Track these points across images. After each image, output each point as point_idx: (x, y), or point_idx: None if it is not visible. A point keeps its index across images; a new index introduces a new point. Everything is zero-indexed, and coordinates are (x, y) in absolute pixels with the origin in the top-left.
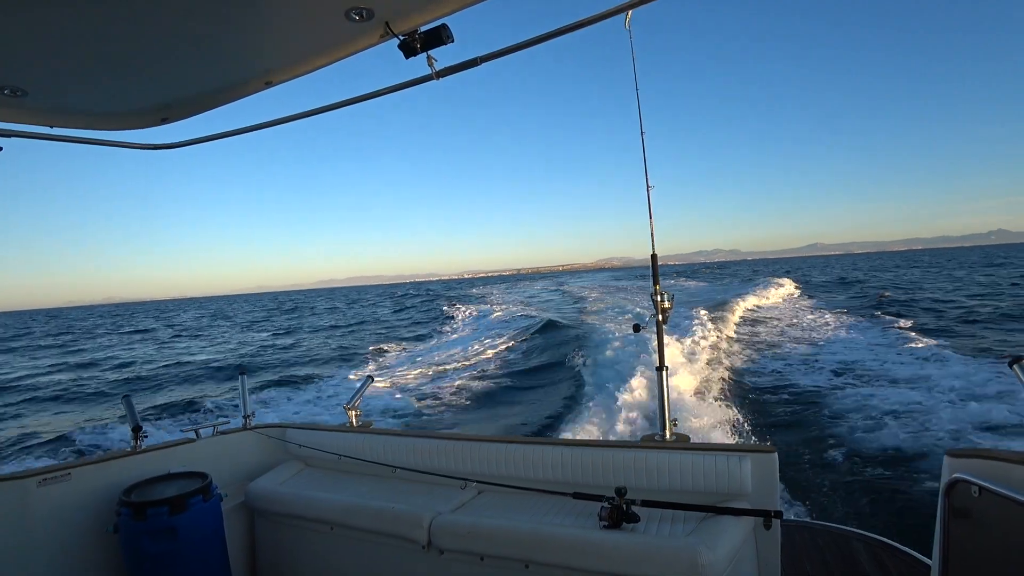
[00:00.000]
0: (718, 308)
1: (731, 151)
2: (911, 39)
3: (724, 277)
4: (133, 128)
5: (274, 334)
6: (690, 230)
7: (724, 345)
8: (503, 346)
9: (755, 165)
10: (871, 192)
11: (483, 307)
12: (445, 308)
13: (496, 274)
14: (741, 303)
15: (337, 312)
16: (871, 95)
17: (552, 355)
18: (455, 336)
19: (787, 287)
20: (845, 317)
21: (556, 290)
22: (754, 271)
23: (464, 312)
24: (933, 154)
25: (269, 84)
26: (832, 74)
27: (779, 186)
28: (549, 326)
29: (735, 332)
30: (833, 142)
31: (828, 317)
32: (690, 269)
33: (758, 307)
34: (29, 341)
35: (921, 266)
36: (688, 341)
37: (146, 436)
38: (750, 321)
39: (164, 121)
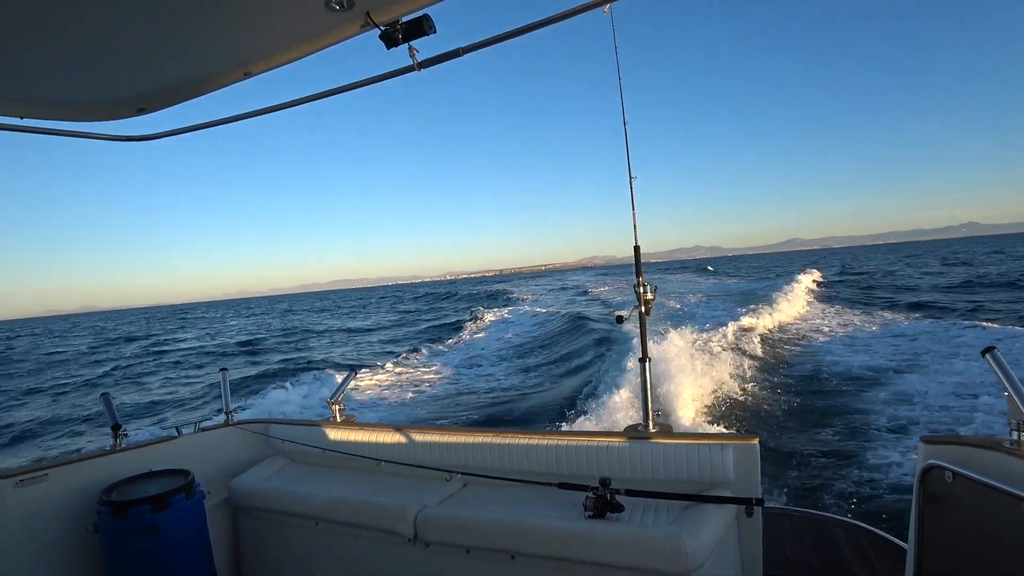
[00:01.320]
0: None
1: (709, 148)
2: (886, 31)
3: (728, 275)
4: (108, 119)
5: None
6: (669, 227)
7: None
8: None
9: (733, 162)
10: (846, 187)
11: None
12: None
13: (479, 275)
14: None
15: (402, 306)
16: (850, 91)
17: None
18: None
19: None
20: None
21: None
22: (764, 268)
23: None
24: (907, 147)
25: (248, 74)
26: (811, 71)
27: (757, 183)
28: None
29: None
30: (811, 137)
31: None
32: (677, 265)
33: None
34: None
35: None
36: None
37: (126, 435)
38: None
39: (141, 112)
